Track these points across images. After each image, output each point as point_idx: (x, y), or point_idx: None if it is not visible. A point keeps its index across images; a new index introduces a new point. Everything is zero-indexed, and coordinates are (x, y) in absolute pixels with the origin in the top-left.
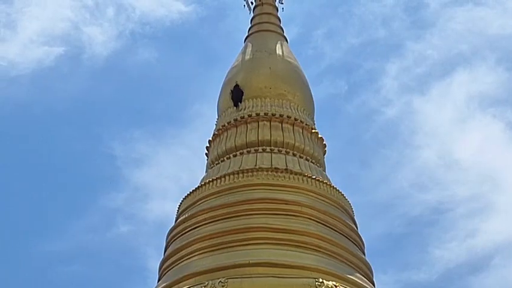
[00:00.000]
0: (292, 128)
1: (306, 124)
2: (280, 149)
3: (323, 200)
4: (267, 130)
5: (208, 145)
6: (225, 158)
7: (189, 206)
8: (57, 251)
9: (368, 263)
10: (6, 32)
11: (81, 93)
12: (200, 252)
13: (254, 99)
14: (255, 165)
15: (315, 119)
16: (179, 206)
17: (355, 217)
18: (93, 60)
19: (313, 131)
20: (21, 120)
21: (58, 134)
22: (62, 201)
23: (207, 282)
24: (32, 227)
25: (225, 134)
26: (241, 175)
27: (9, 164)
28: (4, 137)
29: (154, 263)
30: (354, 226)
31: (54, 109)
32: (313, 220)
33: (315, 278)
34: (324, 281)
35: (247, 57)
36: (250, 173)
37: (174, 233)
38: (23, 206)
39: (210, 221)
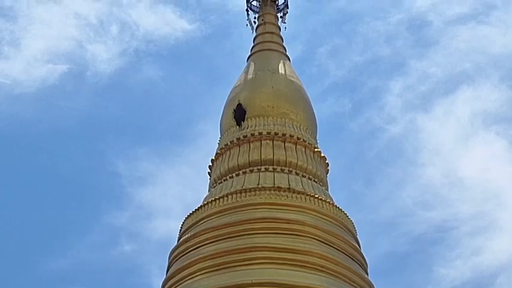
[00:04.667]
0: (294, 147)
1: (309, 143)
2: (283, 168)
3: (326, 219)
4: (270, 149)
5: (211, 164)
6: (227, 177)
7: (192, 225)
8: (60, 269)
9: (371, 283)
10: (11, 50)
11: (85, 111)
12: (203, 272)
13: (257, 118)
14: (258, 185)
15: (317, 137)
16: (182, 225)
17: (358, 236)
18: (97, 78)
19: (316, 149)
20: (25, 138)
21: (62, 151)
22: (66, 219)
23: None
24: (36, 245)
25: (228, 153)
26: (243, 194)
27: (13, 181)
28: (8, 155)
29: (158, 282)
30: (357, 245)
31: (58, 127)
32: (316, 239)
33: None
34: None
35: (249, 76)
36: (252, 192)
37: (176, 252)
38: (27, 223)
39: (212, 240)
